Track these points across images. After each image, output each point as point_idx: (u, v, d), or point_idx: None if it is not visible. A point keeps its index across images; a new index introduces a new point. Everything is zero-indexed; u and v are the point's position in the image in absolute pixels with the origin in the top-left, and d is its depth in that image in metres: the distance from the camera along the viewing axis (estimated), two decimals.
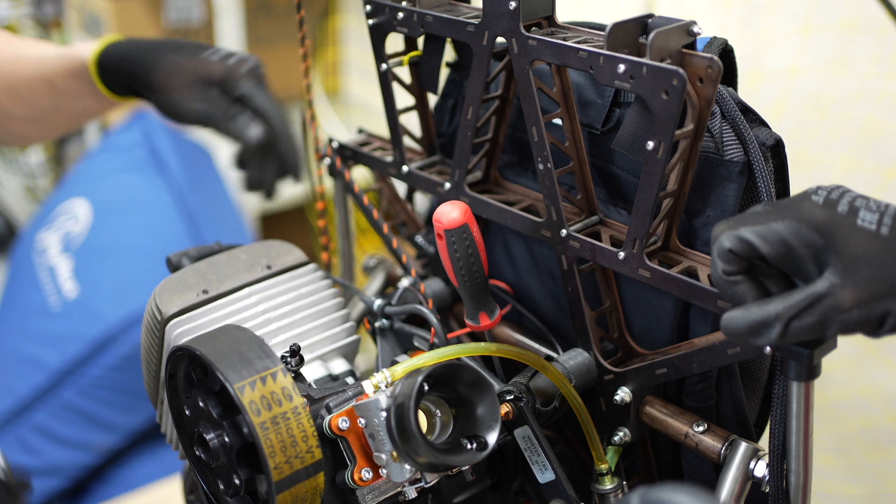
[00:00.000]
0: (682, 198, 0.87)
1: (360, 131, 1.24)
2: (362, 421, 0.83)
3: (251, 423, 0.79)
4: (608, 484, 0.93)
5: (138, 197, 2.50)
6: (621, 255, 0.89)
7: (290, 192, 2.99)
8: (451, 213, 0.90)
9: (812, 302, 0.70)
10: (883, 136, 1.64)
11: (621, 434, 0.95)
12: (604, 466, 0.93)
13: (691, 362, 0.88)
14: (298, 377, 0.94)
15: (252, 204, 2.96)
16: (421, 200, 1.33)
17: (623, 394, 0.93)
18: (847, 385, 1.77)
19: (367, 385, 0.86)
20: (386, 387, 0.86)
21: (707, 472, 0.98)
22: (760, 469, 0.86)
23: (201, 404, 0.85)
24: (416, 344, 1.04)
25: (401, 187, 1.24)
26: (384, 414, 0.80)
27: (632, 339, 0.97)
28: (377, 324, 1.07)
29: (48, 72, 1.23)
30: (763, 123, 0.90)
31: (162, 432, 1.07)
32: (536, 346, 1.04)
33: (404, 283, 1.12)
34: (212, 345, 0.83)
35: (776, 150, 0.89)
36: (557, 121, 0.95)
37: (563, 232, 0.94)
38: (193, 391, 0.87)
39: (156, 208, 2.46)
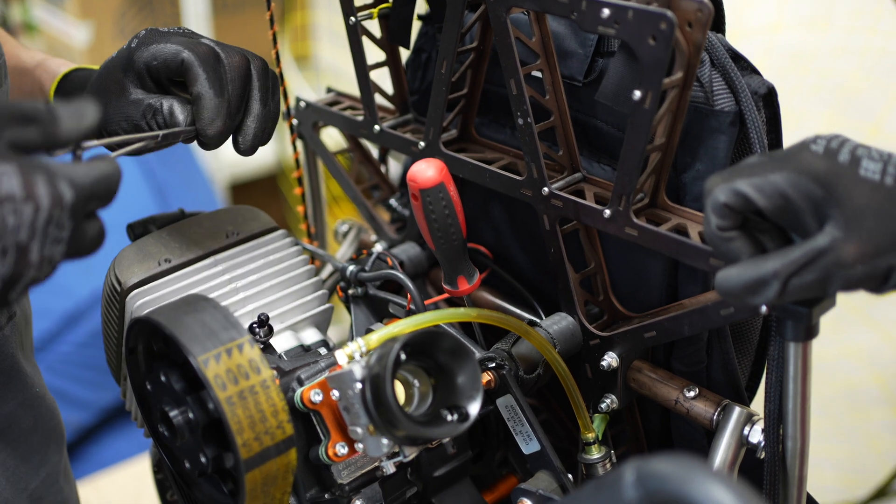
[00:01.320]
0: (670, 151, 0.83)
1: (329, 90, 1.19)
2: (336, 393, 0.78)
3: (216, 398, 0.74)
4: (595, 453, 0.90)
5: None
6: (607, 212, 0.84)
7: (261, 160, 2.96)
8: (426, 171, 0.85)
9: (813, 257, 0.66)
10: (864, 93, 1.62)
11: (608, 401, 0.92)
12: (590, 435, 0.90)
13: (682, 324, 0.84)
14: (267, 348, 0.90)
15: (223, 174, 2.90)
16: (394, 168, 1.28)
17: (610, 359, 0.90)
18: (829, 346, 1.75)
19: (341, 355, 0.82)
20: (360, 356, 0.82)
21: (699, 439, 0.94)
22: (756, 435, 0.83)
23: (164, 379, 0.80)
24: (391, 311, 1.00)
25: (374, 149, 1.19)
26: (359, 385, 0.76)
27: (618, 301, 0.93)
28: (351, 291, 1.03)
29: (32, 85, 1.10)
30: (755, 71, 0.86)
31: (127, 409, 1.02)
32: (518, 311, 1.01)
33: (378, 248, 1.07)
34: (173, 315, 0.78)
35: (769, 100, 0.85)
36: (537, 73, 0.90)
37: (545, 190, 0.89)
38: (155, 365, 0.82)
39: (123, 180, 2.40)
